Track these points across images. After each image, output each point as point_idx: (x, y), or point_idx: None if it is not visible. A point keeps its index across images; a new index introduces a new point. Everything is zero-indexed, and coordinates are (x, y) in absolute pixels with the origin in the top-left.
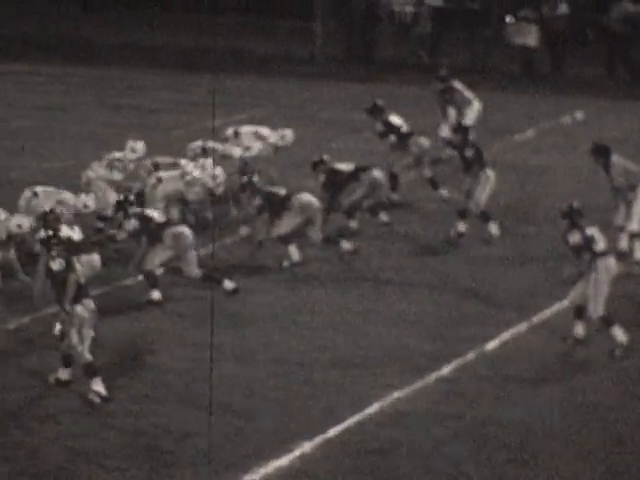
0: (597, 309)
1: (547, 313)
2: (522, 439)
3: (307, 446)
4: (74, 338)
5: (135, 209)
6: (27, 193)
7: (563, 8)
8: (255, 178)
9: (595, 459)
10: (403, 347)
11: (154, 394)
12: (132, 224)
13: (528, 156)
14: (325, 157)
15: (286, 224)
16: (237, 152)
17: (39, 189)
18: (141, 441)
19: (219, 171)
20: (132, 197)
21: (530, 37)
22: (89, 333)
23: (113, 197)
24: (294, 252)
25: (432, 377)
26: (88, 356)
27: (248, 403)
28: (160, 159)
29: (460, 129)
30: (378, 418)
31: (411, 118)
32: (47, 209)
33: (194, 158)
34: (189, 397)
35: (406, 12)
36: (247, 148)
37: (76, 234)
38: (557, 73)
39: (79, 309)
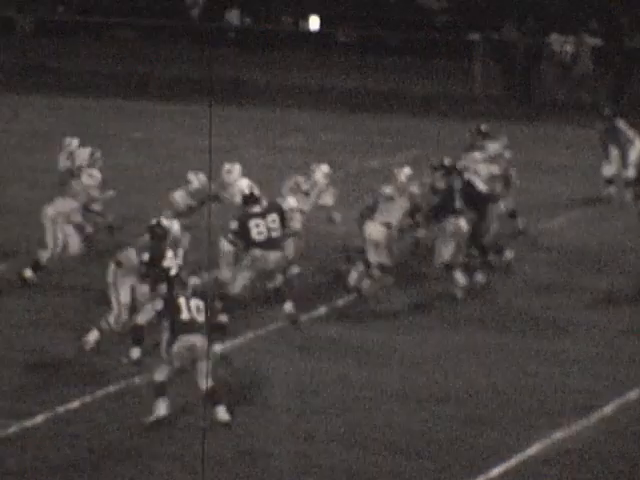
0: None
1: None
2: None
3: None
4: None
5: None
6: None
7: None
8: None
9: None
10: (564, 386)
11: (317, 434)
12: None
13: None
14: None
15: (447, 250)
16: None
17: None
18: None
19: None
20: None
21: None
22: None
23: None
24: (460, 277)
25: (594, 416)
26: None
27: (410, 442)
28: None
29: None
30: (540, 457)
31: (570, 157)
32: None
33: None
34: (352, 436)
35: (566, 51)
36: None
37: None
38: None
39: None
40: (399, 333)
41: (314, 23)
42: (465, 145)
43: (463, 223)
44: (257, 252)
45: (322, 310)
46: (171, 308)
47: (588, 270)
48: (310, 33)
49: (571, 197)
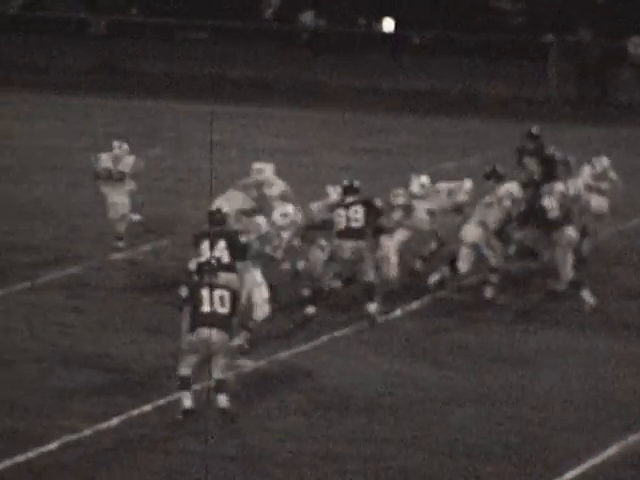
0: None
1: None
2: None
3: None
4: None
5: None
6: None
7: None
8: None
9: None
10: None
11: (389, 436)
12: None
13: None
14: None
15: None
16: None
17: None
18: None
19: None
20: None
21: None
22: None
23: None
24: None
25: None
26: None
27: (484, 445)
28: None
29: None
30: (617, 461)
31: None
32: None
33: None
34: (424, 438)
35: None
36: None
37: None
38: None
39: None
40: (473, 334)
41: (388, 25)
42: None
43: (571, 231)
44: (336, 241)
45: (398, 312)
46: (194, 298)
47: None
48: (384, 35)
49: None
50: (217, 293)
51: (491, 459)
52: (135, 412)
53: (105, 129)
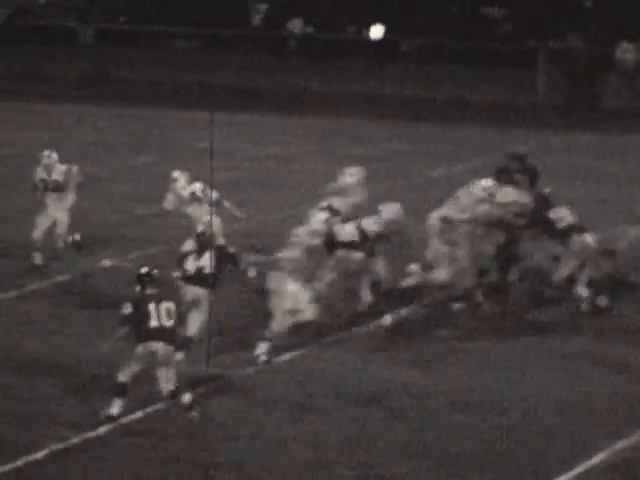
0: None
1: None
2: None
3: None
4: None
5: None
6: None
7: None
8: None
9: None
10: (629, 394)
11: (379, 443)
12: None
13: None
14: None
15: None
16: None
17: None
18: None
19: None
20: None
21: None
22: None
23: None
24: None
25: None
26: None
27: (474, 452)
28: None
29: None
30: (605, 467)
31: (634, 166)
32: None
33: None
34: (414, 445)
35: (629, 59)
36: None
37: None
38: None
39: None
40: (465, 340)
41: (377, 32)
42: None
43: (589, 239)
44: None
45: (388, 317)
46: (140, 314)
47: None
48: (373, 42)
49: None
50: (164, 306)
51: (480, 466)
52: (123, 420)
53: (94, 137)
